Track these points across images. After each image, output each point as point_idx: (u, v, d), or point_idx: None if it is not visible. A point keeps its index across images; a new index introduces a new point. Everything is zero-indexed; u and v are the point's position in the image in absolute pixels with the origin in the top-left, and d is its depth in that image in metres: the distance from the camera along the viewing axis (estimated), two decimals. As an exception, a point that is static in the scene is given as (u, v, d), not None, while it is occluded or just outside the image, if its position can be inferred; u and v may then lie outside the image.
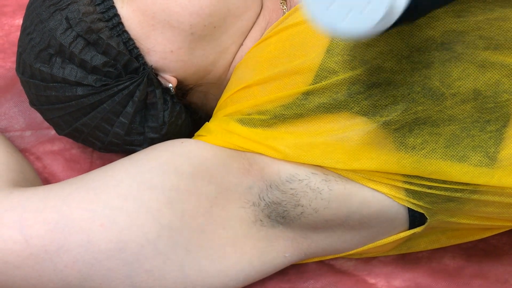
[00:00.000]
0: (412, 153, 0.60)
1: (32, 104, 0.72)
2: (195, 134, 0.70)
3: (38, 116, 0.81)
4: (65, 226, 0.59)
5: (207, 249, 0.62)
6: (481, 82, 0.59)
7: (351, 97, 0.61)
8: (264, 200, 0.63)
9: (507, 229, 0.69)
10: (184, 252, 0.61)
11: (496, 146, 0.60)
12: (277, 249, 0.65)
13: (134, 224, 0.60)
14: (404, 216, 0.64)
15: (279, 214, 0.63)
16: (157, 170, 0.62)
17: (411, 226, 0.65)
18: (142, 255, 0.60)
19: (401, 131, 0.60)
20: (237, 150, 0.65)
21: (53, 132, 0.81)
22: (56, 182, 0.77)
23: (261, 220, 0.64)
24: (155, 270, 0.61)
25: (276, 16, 0.74)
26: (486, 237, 0.71)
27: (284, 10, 0.75)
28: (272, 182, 0.63)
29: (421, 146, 0.60)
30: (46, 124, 0.80)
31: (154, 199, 0.61)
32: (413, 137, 0.61)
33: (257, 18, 0.73)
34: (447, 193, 0.61)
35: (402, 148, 0.61)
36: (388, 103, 0.60)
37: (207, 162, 0.64)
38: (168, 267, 0.61)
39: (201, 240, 0.62)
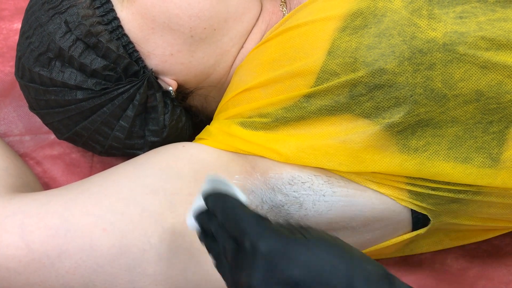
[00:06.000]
0: (415, 155, 0.60)
1: (32, 108, 0.72)
2: (196, 137, 0.70)
3: (37, 121, 0.81)
4: (67, 231, 0.59)
5: None
6: (483, 83, 0.59)
7: (353, 99, 0.61)
8: (267, 203, 0.63)
9: (510, 230, 0.69)
10: (187, 257, 0.61)
11: (499, 147, 0.60)
12: None
13: (136, 228, 0.59)
14: (407, 218, 0.64)
15: (283, 217, 0.63)
16: (159, 174, 0.62)
17: (414, 228, 0.65)
18: (145, 260, 0.60)
19: (404, 133, 0.60)
20: (239, 153, 0.65)
21: (52, 136, 0.80)
22: (56, 186, 0.76)
23: None
24: (158, 274, 0.60)
25: (276, 18, 0.74)
26: (489, 238, 0.71)
27: (284, 12, 0.74)
28: (274, 185, 0.63)
29: (424, 148, 0.60)
30: (45, 128, 0.80)
31: (156, 203, 0.60)
32: (416, 139, 0.60)
33: (257, 20, 0.72)
34: (450, 195, 0.61)
35: (405, 150, 0.60)
36: (391, 105, 0.60)
37: (209, 166, 0.63)
38: (171, 271, 0.61)
39: None
